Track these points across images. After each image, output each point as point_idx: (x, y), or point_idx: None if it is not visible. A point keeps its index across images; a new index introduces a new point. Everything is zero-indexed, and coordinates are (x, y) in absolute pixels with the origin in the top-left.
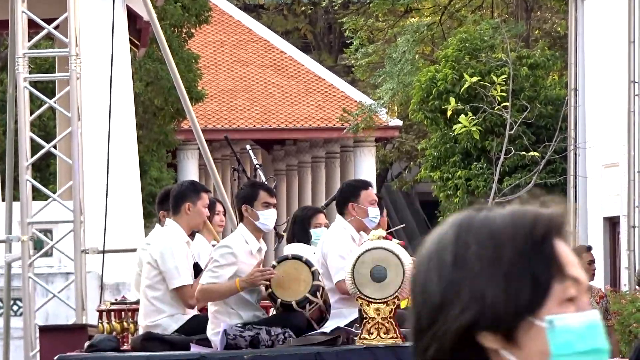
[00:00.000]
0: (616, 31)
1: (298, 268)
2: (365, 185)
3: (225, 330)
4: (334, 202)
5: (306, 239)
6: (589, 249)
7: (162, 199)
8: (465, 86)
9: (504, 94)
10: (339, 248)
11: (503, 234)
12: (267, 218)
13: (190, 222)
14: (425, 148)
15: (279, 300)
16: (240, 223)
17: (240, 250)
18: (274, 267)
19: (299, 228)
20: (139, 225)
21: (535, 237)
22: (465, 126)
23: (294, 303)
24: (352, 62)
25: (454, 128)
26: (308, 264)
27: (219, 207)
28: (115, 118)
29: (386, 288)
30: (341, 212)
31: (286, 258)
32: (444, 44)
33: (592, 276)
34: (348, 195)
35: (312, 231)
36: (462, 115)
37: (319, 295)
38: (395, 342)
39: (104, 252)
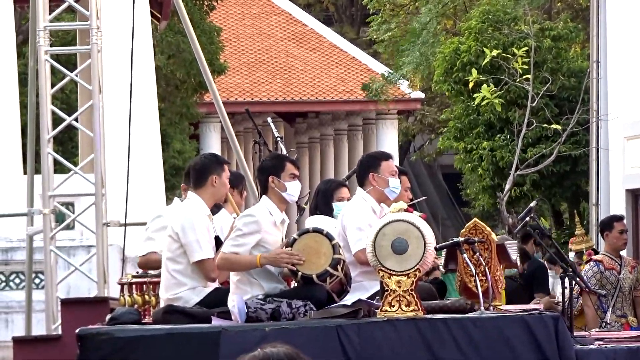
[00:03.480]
0: (638, 2)
1: (319, 241)
2: (386, 156)
3: (245, 303)
4: (355, 175)
5: (329, 211)
6: (621, 218)
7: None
8: (486, 60)
9: (526, 67)
10: (358, 220)
11: None
12: (294, 189)
13: (215, 195)
14: (448, 119)
15: (299, 273)
16: (264, 195)
17: (265, 220)
18: (294, 240)
19: (322, 201)
20: (160, 198)
21: None
22: (486, 97)
23: (314, 276)
24: (375, 37)
25: (475, 96)
26: (329, 237)
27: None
28: (137, 91)
29: (407, 260)
30: (361, 183)
31: (307, 231)
32: (467, 16)
33: (623, 245)
34: (368, 165)
35: (335, 204)
36: (484, 86)
37: (339, 268)
38: (416, 314)
39: (125, 224)
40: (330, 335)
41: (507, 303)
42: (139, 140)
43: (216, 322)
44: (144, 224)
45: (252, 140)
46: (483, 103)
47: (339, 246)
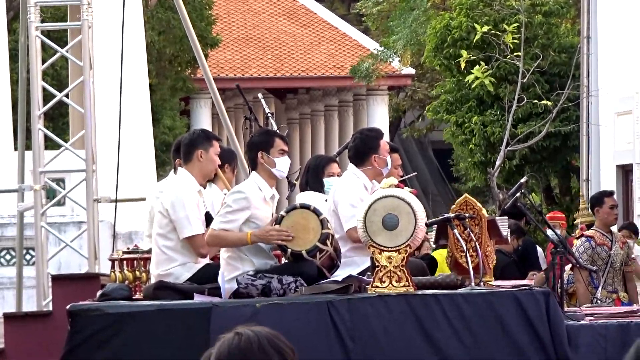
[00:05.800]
0: None
1: (306, 217)
2: (381, 134)
3: (237, 279)
4: (346, 150)
5: (319, 187)
6: (612, 193)
7: (178, 148)
8: (477, 37)
9: (517, 41)
10: (350, 196)
11: None
12: (283, 165)
13: (202, 170)
14: (439, 93)
15: (289, 250)
16: (253, 171)
17: (254, 196)
18: (282, 217)
19: (312, 176)
20: (151, 174)
21: None
22: (478, 77)
23: (304, 252)
24: (363, 10)
25: (467, 79)
26: (316, 212)
27: None
28: (127, 67)
29: (398, 236)
30: (359, 162)
31: (294, 208)
32: None
33: (614, 220)
34: (370, 146)
35: (325, 180)
36: (476, 67)
37: (328, 243)
38: (407, 290)
39: (116, 201)
40: (321, 310)
41: (500, 278)
42: (129, 117)
43: (207, 298)
44: (135, 200)
45: (243, 116)
46: (474, 84)
47: (327, 221)
